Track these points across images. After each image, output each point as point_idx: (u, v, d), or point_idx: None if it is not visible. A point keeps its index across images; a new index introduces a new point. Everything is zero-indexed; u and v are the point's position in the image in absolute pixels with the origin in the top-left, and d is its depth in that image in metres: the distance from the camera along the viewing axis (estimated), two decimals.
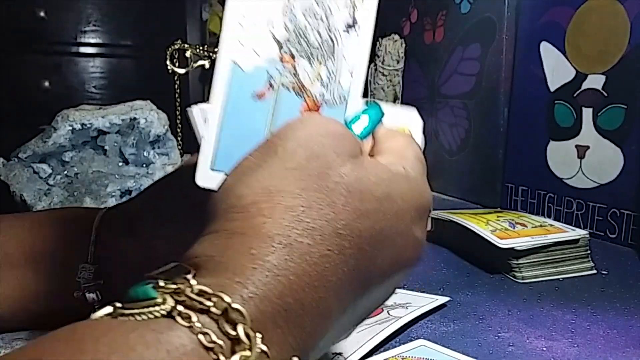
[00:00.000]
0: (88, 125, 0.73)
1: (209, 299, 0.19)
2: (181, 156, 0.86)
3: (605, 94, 0.70)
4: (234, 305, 0.19)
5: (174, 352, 0.17)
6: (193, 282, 0.19)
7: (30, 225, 0.40)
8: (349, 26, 0.30)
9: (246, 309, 0.19)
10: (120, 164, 0.77)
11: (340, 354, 0.36)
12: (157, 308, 0.19)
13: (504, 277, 0.56)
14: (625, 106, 0.67)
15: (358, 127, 0.29)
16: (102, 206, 0.71)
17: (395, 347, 0.39)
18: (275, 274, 0.20)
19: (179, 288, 0.19)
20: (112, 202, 0.72)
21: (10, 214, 0.42)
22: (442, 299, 0.47)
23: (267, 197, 0.23)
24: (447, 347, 0.38)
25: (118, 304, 0.19)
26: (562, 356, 0.39)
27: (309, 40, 0.29)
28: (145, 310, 0.19)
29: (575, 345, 0.41)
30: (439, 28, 1.00)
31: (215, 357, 0.18)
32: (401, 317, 0.42)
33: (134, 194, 0.75)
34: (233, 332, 0.18)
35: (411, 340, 0.40)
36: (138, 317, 0.19)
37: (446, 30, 0.98)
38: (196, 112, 0.32)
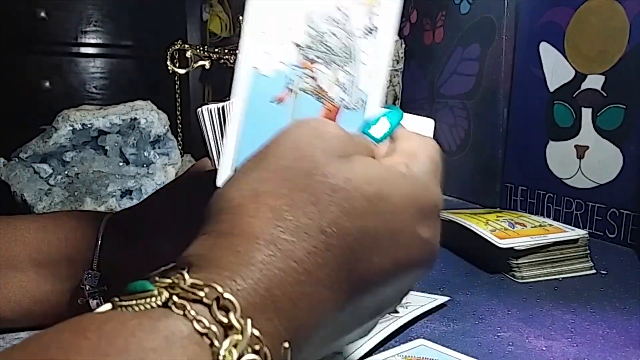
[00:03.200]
0: (89, 126, 0.73)
1: (202, 290, 0.20)
2: (181, 156, 0.86)
3: (605, 94, 0.70)
4: (225, 295, 0.20)
5: (171, 337, 0.18)
6: (186, 276, 0.21)
7: (36, 228, 0.40)
8: (368, 32, 0.30)
9: (236, 299, 0.20)
10: (121, 164, 0.77)
11: (340, 353, 0.36)
12: (153, 299, 0.20)
13: (503, 276, 0.56)
14: (624, 106, 0.68)
15: (376, 130, 0.30)
16: (103, 206, 0.71)
17: (395, 346, 0.39)
18: (260, 269, 0.22)
19: (173, 282, 0.20)
20: (112, 202, 0.72)
21: (14, 215, 0.42)
22: (442, 299, 0.47)
23: (254, 198, 0.24)
24: (447, 347, 0.38)
25: (116, 299, 0.21)
26: (561, 356, 0.39)
27: (328, 46, 0.29)
28: (143, 301, 0.20)
29: (575, 344, 0.41)
30: (438, 28, 1.00)
31: (209, 341, 0.19)
32: (401, 317, 0.42)
33: (134, 194, 0.75)
34: (225, 319, 0.20)
35: (411, 340, 0.40)
36: (136, 308, 0.20)
37: (446, 31, 0.98)
38: (206, 113, 0.33)
